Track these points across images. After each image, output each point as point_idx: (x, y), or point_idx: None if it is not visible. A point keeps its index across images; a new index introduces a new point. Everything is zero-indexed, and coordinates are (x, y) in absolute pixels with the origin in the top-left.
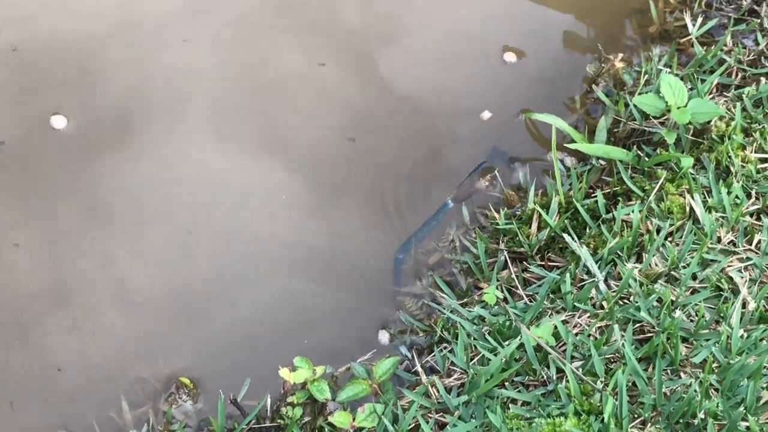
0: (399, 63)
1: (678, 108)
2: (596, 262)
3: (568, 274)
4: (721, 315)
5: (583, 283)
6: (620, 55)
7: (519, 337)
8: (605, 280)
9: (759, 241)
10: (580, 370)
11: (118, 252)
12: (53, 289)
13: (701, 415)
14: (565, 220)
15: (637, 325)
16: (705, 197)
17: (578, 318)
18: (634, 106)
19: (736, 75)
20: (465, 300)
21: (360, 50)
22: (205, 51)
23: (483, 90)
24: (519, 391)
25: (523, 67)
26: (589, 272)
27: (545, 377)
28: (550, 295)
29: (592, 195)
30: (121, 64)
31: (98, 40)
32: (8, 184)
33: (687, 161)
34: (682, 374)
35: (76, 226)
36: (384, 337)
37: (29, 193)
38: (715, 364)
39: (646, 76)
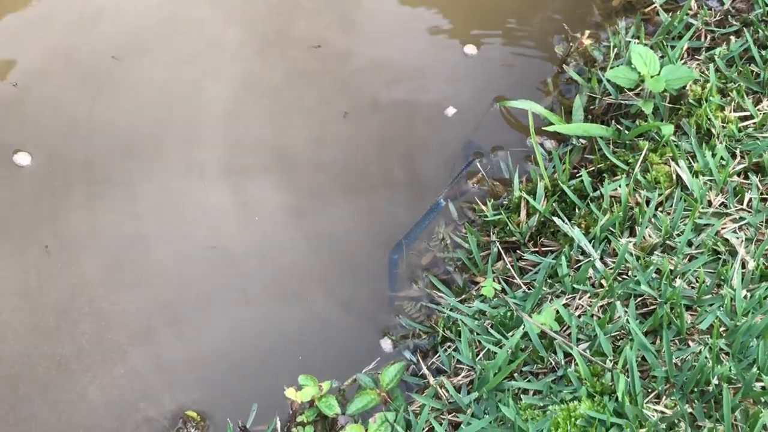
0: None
1: (651, 77)
2: (590, 241)
3: (563, 257)
4: (722, 278)
5: (579, 264)
6: (587, 32)
7: (522, 327)
8: (601, 258)
9: (750, 200)
10: (588, 351)
11: (100, 287)
12: (39, 330)
13: (715, 381)
14: (553, 204)
15: (639, 299)
16: (690, 162)
17: (579, 300)
18: (608, 80)
19: (705, 37)
20: (463, 296)
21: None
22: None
23: (447, 86)
24: (529, 381)
25: (486, 57)
26: (584, 252)
27: (554, 363)
28: (548, 280)
29: (577, 175)
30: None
31: (61, 78)
32: None
33: (667, 129)
34: (690, 343)
35: (51, 261)
36: (386, 344)
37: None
38: (722, 329)
39: (616, 49)
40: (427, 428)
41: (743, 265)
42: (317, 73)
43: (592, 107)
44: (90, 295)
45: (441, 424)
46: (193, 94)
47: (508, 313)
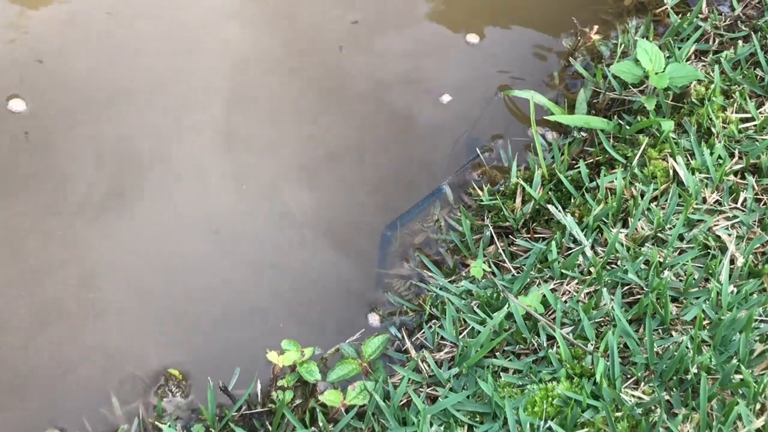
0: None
1: (656, 73)
2: (582, 230)
3: (554, 243)
4: (710, 272)
5: (569, 252)
6: (596, 27)
7: (507, 307)
8: (592, 247)
9: (744, 199)
10: (571, 335)
11: (91, 243)
12: (26, 288)
13: (694, 370)
14: (549, 192)
15: (626, 287)
16: (688, 160)
17: (566, 285)
18: (613, 76)
19: (713, 41)
20: (453, 278)
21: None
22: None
23: (449, 74)
24: (510, 360)
25: (490, 47)
26: (575, 240)
27: (536, 345)
28: (538, 266)
29: (575, 166)
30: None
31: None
32: None
33: (668, 124)
34: (673, 333)
35: (43, 213)
36: (374, 319)
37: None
38: (705, 321)
39: (623, 46)
40: (405, 400)
41: (732, 261)
42: (315, 53)
43: (595, 101)
44: (78, 248)
45: (419, 396)
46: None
47: (495, 294)
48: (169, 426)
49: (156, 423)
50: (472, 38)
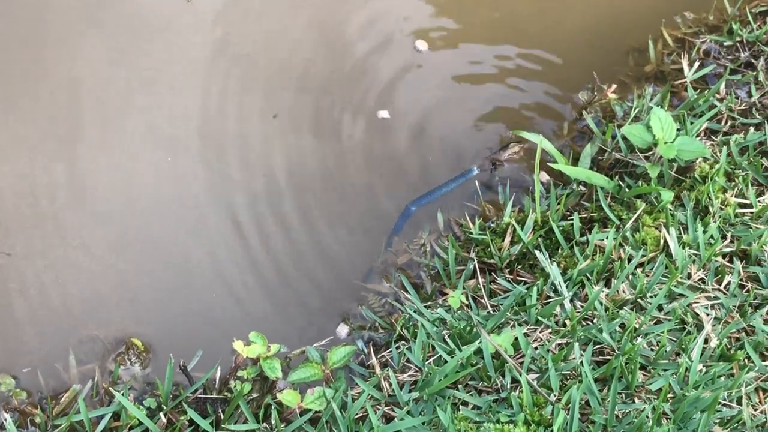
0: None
1: (665, 143)
2: (564, 282)
3: (535, 289)
4: (683, 347)
5: (548, 301)
6: (614, 86)
7: (478, 342)
8: (571, 300)
9: (729, 282)
10: (536, 382)
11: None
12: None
13: None
14: (539, 238)
15: (598, 346)
16: (680, 233)
17: (540, 332)
18: (622, 136)
19: (726, 122)
20: (429, 303)
21: None
22: None
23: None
24: (471, 395)
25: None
26: (556, 291)
27: (499, 385)
28: (515, 308)
29: (569, 218)
30: None
31: None
32: None
33: (667, 195)
34: (636, 399)
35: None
36: (343, 330)
37: None
38: (670, 394)
39: (637, 110)
40: (361, 414)
41: (706, 341)
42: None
43: (600, 159)
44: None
45: (375, 413)
46: None
47: (468, 328)
48: (123, 394)
49: (110, 389)
50: (422, 45)
